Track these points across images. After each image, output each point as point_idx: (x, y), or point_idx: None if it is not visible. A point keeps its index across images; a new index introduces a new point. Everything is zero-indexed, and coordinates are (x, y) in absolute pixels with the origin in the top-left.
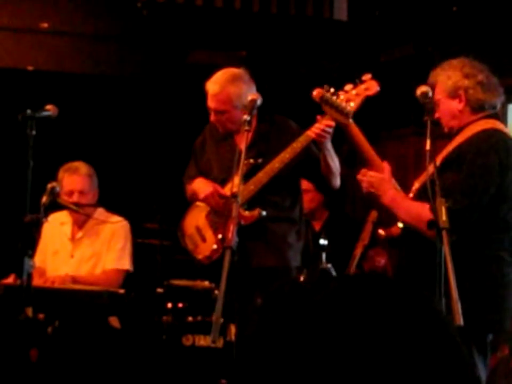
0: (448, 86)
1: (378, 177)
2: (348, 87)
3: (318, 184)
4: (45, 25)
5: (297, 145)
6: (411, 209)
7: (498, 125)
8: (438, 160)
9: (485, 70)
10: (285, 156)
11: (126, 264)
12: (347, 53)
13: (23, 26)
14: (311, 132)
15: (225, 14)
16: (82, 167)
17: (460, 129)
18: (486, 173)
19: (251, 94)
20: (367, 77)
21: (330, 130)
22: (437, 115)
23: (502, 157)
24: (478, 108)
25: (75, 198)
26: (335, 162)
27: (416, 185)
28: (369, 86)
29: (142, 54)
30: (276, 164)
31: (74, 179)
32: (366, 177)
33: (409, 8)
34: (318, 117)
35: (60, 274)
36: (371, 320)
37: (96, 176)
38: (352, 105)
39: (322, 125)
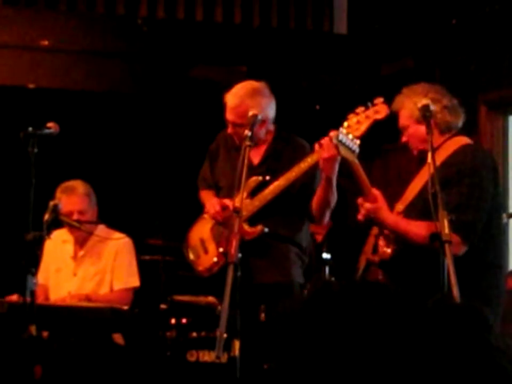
0: (416, 112)
1: (374, 207)
2: (359, 109)
3: (300, 210)
4: (45, 42)
5: (304, 164)
6: (421, 229)
7: (468, 140)
8: (424, 179)
9: (447, 94)
10: (291, 174)
11: (134, 281)
12: (347, 66)
13: (23, 43)
14: (318, 153)
15: (225, 28)
16: (79, 186)
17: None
18: (484, 185)
19: (253, 107)
20: (378, 100)
21: (334, 161)
22: (404, 139)
23: (490, 168)
24: (445, 130)
25: (75, 218)
26: (333, 198)
27: (400, 207)
28: (380, 109)
29: (143, 70)
30: (281, 181)
31: (73, 200)
32: (363, 208)
33: (409, 21)
34: (316, 146)
35: (75, 293)
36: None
37: (94, 193)
38: (357, 142)
39: (328, 137)
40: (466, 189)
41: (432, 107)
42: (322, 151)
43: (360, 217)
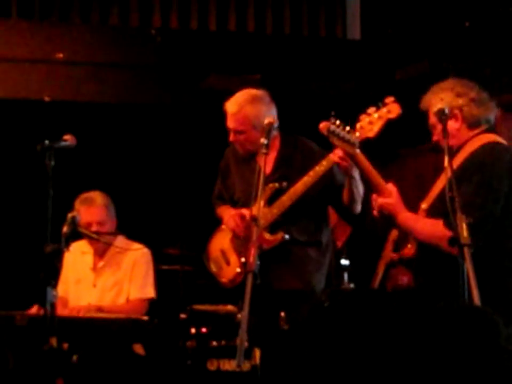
0: (445, 106)
1: (387, 202)
2: (371, 110)
3: (338, 209)
4: (60, 55)
5: (320, 168)
6: (426, 227)
7: (497, 138)
8: (444, 178)
9: (475, 87)
10: (308, 179)
11: (150, 292)
12: (362, 72)
13: (38, 57)
14: (334, 155)
15: (239, 37)
16: (98, 197)
17: (460, 147)
18: (494, 184)
19: (267, 117)
20: (389, 100)
21: (348, 159)
22: (435, 138)
23: (506, 167)
24: (474, 124)
25: (94, 229)
26: (359, 190)
27: (424, 206)
28: (392, 109)
29: (158, 81)
30: (298, 187)
31: (92, 211)
32: (377, 204)
33: (422, 25)
34: (330, 155)
35: (84, 305)
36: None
37: (113, 204)
38: (357, 135)
39: (339, 153)
40: (473, 187)
41: (460, 101)
42: (333, 155)
43: (374, 212)
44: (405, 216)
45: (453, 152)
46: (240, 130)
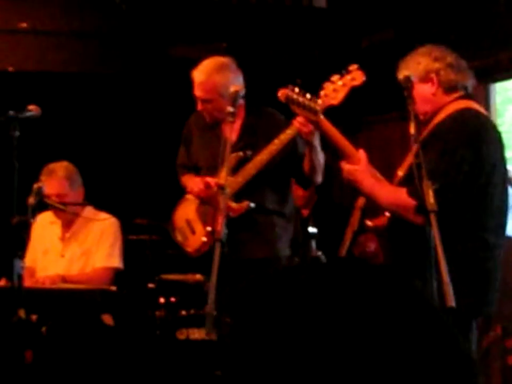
0: (419, 71)
1: (353, 169)
2: (335, 77)
3: (299, 179)
4: (24, 24)
5: (285, 136)
6: (389, 195)
7: (472, 104)
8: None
9: (453, 53)
10: (273, 147)
11: (116, 261)
12: (328, 40)
13: (1, 26)
14: (295, 122)
15: (205, 5)
16: (59, 169)
17: (435, 113)
18: (457, 151)
19: (233, 85)
20: (353, 67)
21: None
22: (408, 103)
23: (471, 134)
24: (450, 89)
25: (54, 200)
26: (319, 160)
27: (400, 173)
28: (356, 76)
29: (123, 50)
30: (264, 155)
31: (51, 183)
32: (344, 170)
33: None
34: (294, 122)
35: (49, 274)
36: (358, 305)
37: (78, 175)
38: (319, 102)
39: (301, 119)
40: (436, 154)
41: (436, 65)
42: (302, 127)
43: (344, 180)
44: (370, 183)
45: (427, 119)
46: (207, 98)
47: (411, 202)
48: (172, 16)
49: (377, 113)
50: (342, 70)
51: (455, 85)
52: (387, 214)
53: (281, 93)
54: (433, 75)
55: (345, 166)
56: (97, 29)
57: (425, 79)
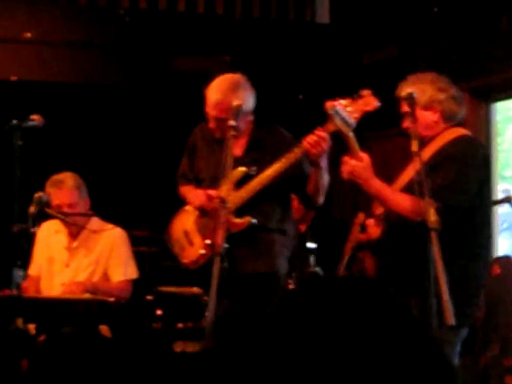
0: (423, 99)
1: (359, 165)
2: (347, 101)
3: (302, 198)
4: (28, 34)
5: (293, 155)
6: (396, 197)
7: (467, 131)
8: (417, 165)
9: (453, 84)
10: (280, 165)
11: (134, 273)
12: (330, 56)
13: (5, 36)
14: (305, 142)
15: (208, 19)
16: (68, 179)
17: (432, 137)
18: (470, 175)
19: (235, 100)
20: (366, 92)
21: (323, 144)
22: (405, 125)
23: (481, 160)
24: (449, 119)
25: (64, 211)
26: (324, 181)
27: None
28: (368, 101)
29: (126, 62)
30: (270, 172)
31: (62, 193)
32: (348, 165)
33: (392, 10)
34: (304, 143)
35: (78, 281)
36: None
37: (84, 185)
38: (356, 116)
39: (315, 136)
40: (453, 174)
41: (441, 96)
42: (311, 148)
43: (344, 175)
44: (381, 185)
45: (424, 142)
46: (223, 118)
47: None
48: (176, 29)
49: (377, 129)
50: (350, 90)
51: (455, 115)
52: (376, 230)
53: (330, 105)
54: (436, 104)
55: (350, 161)
56: (100, 40)
57: (428, 107)
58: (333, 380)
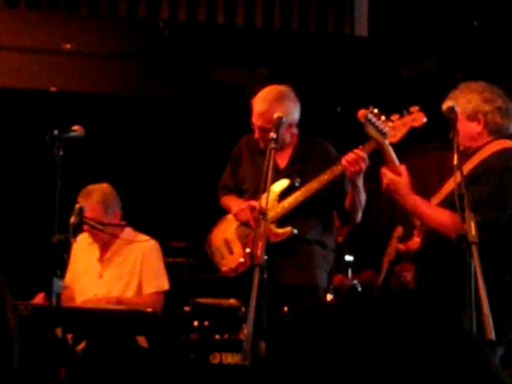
0: (468, 109)
1: (397, 180)
2: (394, 116)
3: (340, 214)
4: (68, 46)
5: (338, 168)
6: (433, 213)
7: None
8: (458, 177)
9: (503, 96)
10: (324, 177)
11: (165, 284)
12: (369, 69)
13: (46, 47)
14: (344, 161)
15: (247, 31)
16: (95, 193)
17: (477, 149)
18: (508, 187)
19: (276, 112)
20: (414, 108)
21: (362, 163)
22: (451, 135)
23: None
24: (494, 131)
25: None
26: (360, 200)
27: (434, 202)
28: (416, 117)
29: (165, 73)
30: (314, 184)
31: (86, 206)
32: (386, 178)
33: (431, 23)
34: (360, 147)
35: (106, 296)
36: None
37: (115, 197)
38: (390, 125)
39: (354, 154)
40: (492, 188)
41: (486, 107)
42: (349, 166)
43: (383, 187)
44: (416, 200)
45: (469, 153)
46: (268, 128)
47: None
48: (214, 41)
49: (415, 143)
50: (403, 110)
51: (500, 128)
52: (417, 239)
53: (362, 113)
54: (481, 116)
55: (389, 175)
56: (140, 52)
57: (472, 117)
58: None
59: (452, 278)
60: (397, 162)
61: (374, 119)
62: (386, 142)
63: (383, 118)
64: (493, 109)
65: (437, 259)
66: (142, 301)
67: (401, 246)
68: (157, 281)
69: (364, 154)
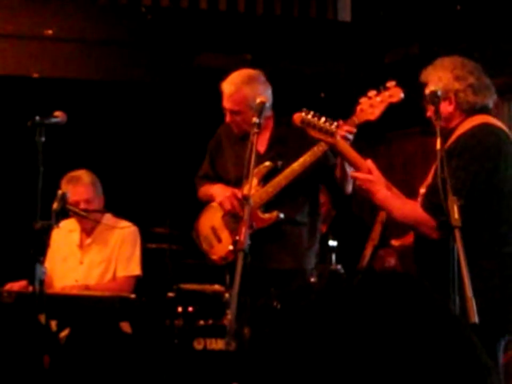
0: (438, 88)
1: (366, 178)
2: (371, 93)
3: (331, 189)
4: (50, 32)
5: (319, 148)
6: (404, 208)
7: (489, 119)
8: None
9: (476, 71)
10: (306, 159)
11: (136, 269)
12: (352, 54)
13: (27, 33)
14: (342, 131)
15: (230, 17)
16: (84, 176)
17: (453, 128)
18: (471, 167)
19: (259, 97)
20: (391, 84)
21: (351, 136)
22: (428, 114)
23: (488, 149)
24: (468, 110)
25: (81, 207)
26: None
27: (422, 191)
28: (393, 93)
29: (148, 59)
30: (296, 167)
31: (78, 189)
32: (357, 179)
33: (414, 8)
34: (340, 122)
35: (71, 284)
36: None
37: (99, 182)
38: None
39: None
40: (451, 171)
41: (456, 85)
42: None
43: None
44: (384, 195)
45: (445, 134)
46: (236, 110)
47: (426, 216)
48: (197, 26)
49: (398, 128)
50: (371, 88)
51: (472, 106)
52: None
53: (297, 117)
54: (452, 94)
55: (358, 175)
56: (122, 37)
57: (443, 97)
58: (371, 374)
59: (439, 264)
60: (360, 158)
61: (313, 122)
62: (338, 138)
63: (323, 118)
64: (464, 86)
65: (427, 247)
66: (110, 286)
67: (395, 243)
68: (128, 265)
69: (351, 128)
